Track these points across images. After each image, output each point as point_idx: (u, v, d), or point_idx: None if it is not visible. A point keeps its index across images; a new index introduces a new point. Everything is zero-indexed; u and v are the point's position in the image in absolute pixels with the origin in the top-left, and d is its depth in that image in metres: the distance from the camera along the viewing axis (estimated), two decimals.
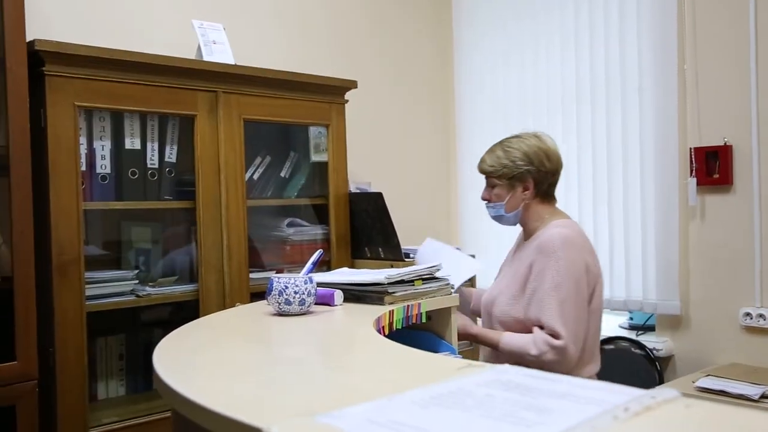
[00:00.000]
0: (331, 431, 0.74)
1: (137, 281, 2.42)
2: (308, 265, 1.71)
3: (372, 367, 1.19)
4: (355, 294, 1.72)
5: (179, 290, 2.49)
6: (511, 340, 2.02)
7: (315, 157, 2.93)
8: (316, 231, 2.92)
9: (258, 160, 2.81)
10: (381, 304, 1.65)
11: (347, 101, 2.94)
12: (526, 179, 2.09)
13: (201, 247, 2.48)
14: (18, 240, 2.06)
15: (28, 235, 2.08)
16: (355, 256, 2.97)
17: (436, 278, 1.78)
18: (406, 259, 2.81)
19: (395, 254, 2.84)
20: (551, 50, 3.45)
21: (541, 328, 1.97)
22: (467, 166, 3.71)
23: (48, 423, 2.17)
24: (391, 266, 2.42)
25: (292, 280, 1.57)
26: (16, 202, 2.06)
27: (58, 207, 2.17)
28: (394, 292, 1.67)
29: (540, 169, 2.10)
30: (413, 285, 1.72)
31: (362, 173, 3.26)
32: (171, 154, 2.52)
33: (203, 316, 2.37)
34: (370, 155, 3.39)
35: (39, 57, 2.14)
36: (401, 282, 1.69)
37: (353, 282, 1.72)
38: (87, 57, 2.22)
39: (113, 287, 2.33)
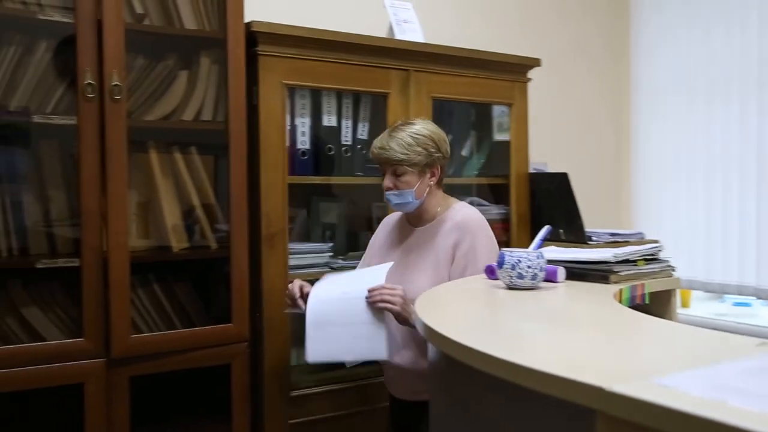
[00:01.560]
0: (676, 394, 0.77)
1: (331, 254, 2.57)
2: (537, 240, 1.76)
3: (659, 340, 1.23)
4: (577, 272, 1.75)
5: None
6: None
7: (498, 137, 2.96)
8: (498, 210, 2.96)
9: None
10: (605, 283, 1.67)
11: (530, 80, 2.96)
12: (434, 166, 2.10)
13: None
14: (235, 212, 2.25)
15: (243, 207, 2.26)
16: (535, 236, 2.98)
17: (658, 259, 1.78)
18: (589, 242, 2.80)
19: (577, 236, 2.83)
20: (746, 25, 3.30)
21: None
22: (641, 146, 3.64)
23: (256, 382, 2.36)
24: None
25: (525, 255, 1.62)
26: (233, 176, 2.24)
27: (267, 181, 2.34)
28: (619, 272, 1.69)
29: (444, 156, 2.13)
30: (636, 265, 1.73)
31: (537, 153, 3.26)
32: (363, 131, 2.65)
33: None
34: (545, 135, 3.39)
35: (254, 38, 2.30)
36: (626, 261, 1.71)
37: (578, 259, 1.75)
38: (294, 37, 2.37)
39: (311, 258, 2.49)
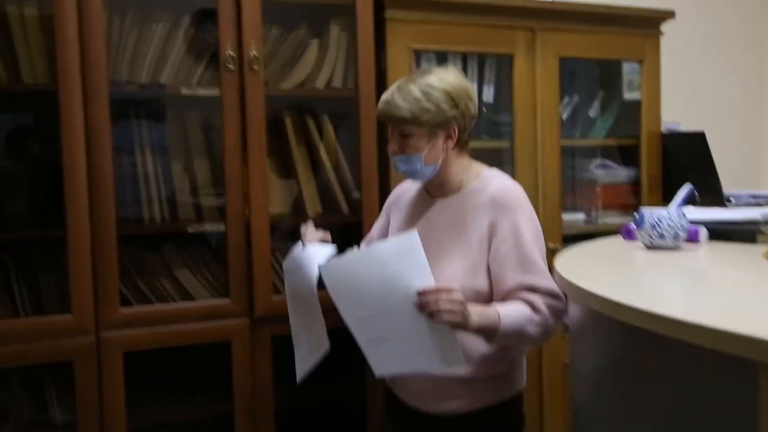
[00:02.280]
0: None
1: None
2: (678, 199, 1.75)
3: None
4: (720, 232, 1.72)
5: None
6: (508, 313, 1.60)
7: (627, 95, 2.90)
8: (628, 172, 2.91)
9: (566, 99, 2.85)
10: (752, 242, 1.64)
11: (663, 34, 2.87)
12: (449, 126, 1.75)
13: None
14: (365, 177, 2.33)
15: (373, 172, 2.34)
16: (667, 198, 2.92)
17: None
18: (727, 204, 2.71)
19: (715, 198, 2.74)
20: None
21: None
22: None
23: None
24: None
25: (666, 214, 1.62)
26: (364, 142, 2.32)
27: None
28: (766, 231, 1.65)
29: (465, 114, 1.76)
30: None
31: (669, 112, 3.17)
32: (488, 95, 2.66)
33: None
34: (678, 92, 3.29)
35: (381, 3, 2.36)
36: None
37: (723, 219, 1.73)
38: (420, 1, 2.41)
39: None
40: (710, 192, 2.77)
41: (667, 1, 2.96)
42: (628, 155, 2.94)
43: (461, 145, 1.81)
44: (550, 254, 2.58)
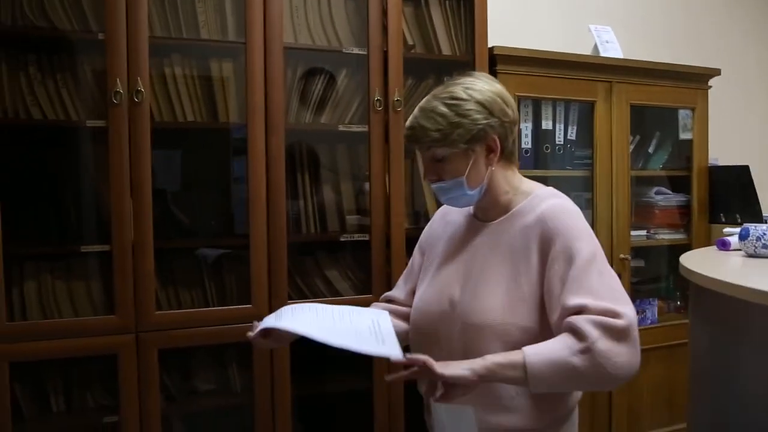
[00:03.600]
0: None
1: None
2: None
3: None
4: None
5: None
6: (537, 347, 1.19)
7: (682, 136, 2.98)
8: (679, 198, 2.98)
9: (630, 138, 2.93)
10: None
11: (710, 87, 2.94)
12: (488, 137, 1.30)
13: (596, 208, 2.70)
14: None
15: None
16: (712, 220, 2.99)
17: None
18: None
19: (755, 220, 2.80)
20: None
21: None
22: None
23: None
24: None
25: None
26: None
27: None
28: None
29: (503, 121, 1.32)
30: None
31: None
32: (572, 133, 2.76)
33: None
34: (719, 133, 3.35)
35: (494, 59, 2.47)
36: None
37: None
38: (525, 58, 2.52)
39: None
40: (749, 215, 2.83)
41: (715, 61, 3.04)
42: (679, 184, 3.01)
43: (507, 158, 1.35)
44: (620, 264, 2.69)
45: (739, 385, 1.49)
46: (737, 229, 1.82)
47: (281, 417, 2.17)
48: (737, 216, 2.89)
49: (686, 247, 2.95)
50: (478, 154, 1.31)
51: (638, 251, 2.91)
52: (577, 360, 1.13)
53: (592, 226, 2.69)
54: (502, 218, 1.35)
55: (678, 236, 2.96)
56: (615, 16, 3.16)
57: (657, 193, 2.95)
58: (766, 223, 2.81)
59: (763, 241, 1.66)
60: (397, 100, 2.27)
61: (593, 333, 1.13)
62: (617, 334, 1.14)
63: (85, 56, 2.06)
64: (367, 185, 2.31)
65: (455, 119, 1.27)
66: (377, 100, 2.26)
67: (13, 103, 1.97)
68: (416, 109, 1.34)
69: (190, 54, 2.17)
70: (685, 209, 2.98)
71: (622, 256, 2.70)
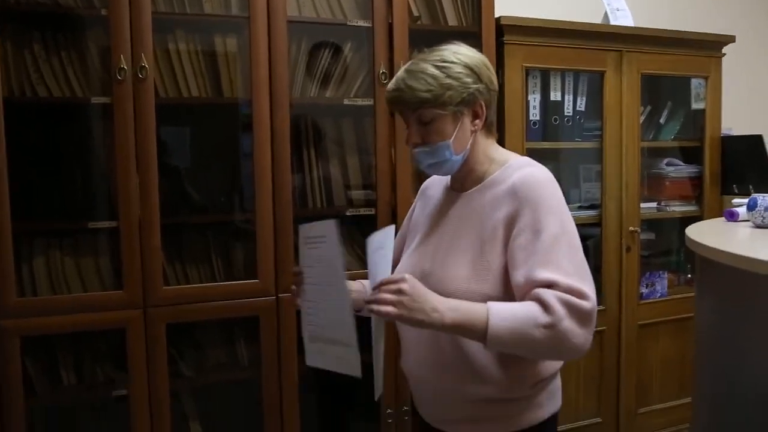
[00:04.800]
0: None
1: None
2: None
3: None
4: None
5: (586, 214, 2.70)
6: (503, 311, 1.17)
7: (695, 105, 2.91)
8: (690, 170, 2.93)
9: (641, 108, 2.88)
10: None
11: (725, 55, 2.87)
12: (475, 103, 1.29)
13: (605, 180, 2.66)
14: None
15: None
16: (724, 192, 2.94)
17: None
18: None
19: None
20: None
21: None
22: None
23: None
24: None
25: None
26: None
27: (510, 147, 2.44)
28: None
29: (489, 88, 1.31)
30: None
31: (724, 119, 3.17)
32: (581, 104, 2.71)
33: (604, 237, 2.59)
34: (733, 103, 3.28)
35: (501, 30, 2.43)
36: None
37: None
38: (534, 27, 2.47)
39: None
40: (764, 185, 2.78)
41: (729, 27, 2.96)
42: (692, 155, 2.96)
43: (488, 127, 1.35)
44: (629, 237, 2.66)
45: (745, 360, 1.47)
46: (746, 200, 1.78)
47: (288, 390, 2.19)
48: (750, 187, 2.84)
49: (698, 219, 2.90)
50: (465, 119, 1.29)
51: (649, 224, 2.88)
52: (539, 333, 1.14)
53: (601, 198, 2.66)
54: (475, 188, 1.34)
55: (689, 208, 2.91)
56: None
57: (668, 164, 2.90)
58: None
59: None
60: None
61: (560, 311, 1.14)
62: (581, 316, 1.15)
63: (90, 33, 2.05)
64: (373, 159, 2.30)
65: (446, 81, 1.25)
66: (382, 72, 2.23)
67: (19, 82, 1.97)
68: (401, 71, 1.31)
69: (193, 30, 2.15)
70: (697, 180, 2.93)
71: (631, 228, 2.67)
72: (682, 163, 2.94)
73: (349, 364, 1.22)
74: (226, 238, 2.26)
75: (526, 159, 1.35)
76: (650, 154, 2.98)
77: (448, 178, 1.42)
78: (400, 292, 1.12)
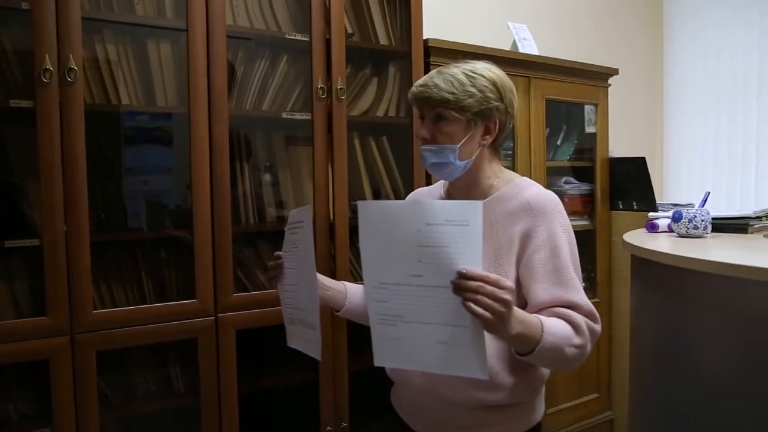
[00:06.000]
0: None
1: None
2: (701, 201, 2.01)
3: None
4: (716, 225, 2.00)
5: None
6: (550, 327, 1.21)
7: (588, 129, 3.21)
8: (584, 187, 3.22)
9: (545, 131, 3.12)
10: (744, 233, 1.93)
11: (610, 85, 3.21)
12: (491, 118, 1.35)
13: None
14: (417, 183, 2.46)
15: (423, 180, 2.47)
16: (612, 208, 3.25)
17: None
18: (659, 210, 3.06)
19: (650, 207, 3.09)
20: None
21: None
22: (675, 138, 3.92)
23: None
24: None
25: (698, 212, 1.88)
26: (416, 161, 2.40)
27: None
28: (753, 225, 1.95)
29: (508, 110, 1.39)
30: (761, 220, 2.00)
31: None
32: None
33: None
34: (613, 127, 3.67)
35: (428, 51, 2.52)
36: (758, 218, 1.97)
37: (724, 216, 2.01)
38: (457, 51, 2.58)
39: None
40: (646, 201, 3.12)
41: (616, 62, 3.33)
42: (584, 174, 3.26)
43: (495, 148, 1.41)
44: None
45: (687, 342, 1.65)
46: (661, 214, 2.03)
47: (228, 414, 2.08)
48: (633, 203, 3.18)
49: (591, 233, 3.21)
50: (477, 131, 1.35)
51: None
52: (569, 351, 1.22)
53: None
54: (483, 201, 1.32)
55: (583, 222, 3.20)
56: (528, 13, 3.37)
57: (566, 182, 3.17)
58: (659, 210, 3.14)
59: (694, 223, 1.86)
60: (341, 88, 2.25)
61: (587, 335, 1.25)
62: (594, 339, 1.27)
63: (5, 28, 1.84)
64: (310, 174, 2.27)
65: (470, 89, 1.32)
66: (320, 87, 2.22)
67: None
68: (432, 72, 1.38)
69: (124, 33, 2.01)
70: (589, 197, 3.23)
71: None
72: (576, 181, 3.22)
73: (314, 346, 1.30)
74: (158, 255, 2.11)
75: (529, 179, 1.44)
76: (550, 173, 3.23)
77: (441, 190, 1.48)
78: (503, 301, 1.05)
